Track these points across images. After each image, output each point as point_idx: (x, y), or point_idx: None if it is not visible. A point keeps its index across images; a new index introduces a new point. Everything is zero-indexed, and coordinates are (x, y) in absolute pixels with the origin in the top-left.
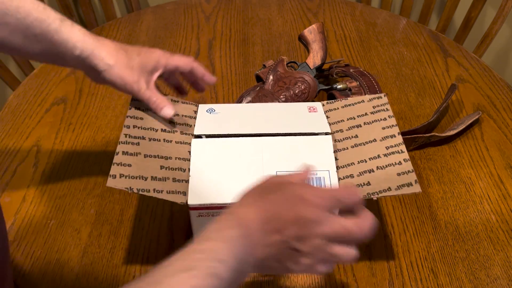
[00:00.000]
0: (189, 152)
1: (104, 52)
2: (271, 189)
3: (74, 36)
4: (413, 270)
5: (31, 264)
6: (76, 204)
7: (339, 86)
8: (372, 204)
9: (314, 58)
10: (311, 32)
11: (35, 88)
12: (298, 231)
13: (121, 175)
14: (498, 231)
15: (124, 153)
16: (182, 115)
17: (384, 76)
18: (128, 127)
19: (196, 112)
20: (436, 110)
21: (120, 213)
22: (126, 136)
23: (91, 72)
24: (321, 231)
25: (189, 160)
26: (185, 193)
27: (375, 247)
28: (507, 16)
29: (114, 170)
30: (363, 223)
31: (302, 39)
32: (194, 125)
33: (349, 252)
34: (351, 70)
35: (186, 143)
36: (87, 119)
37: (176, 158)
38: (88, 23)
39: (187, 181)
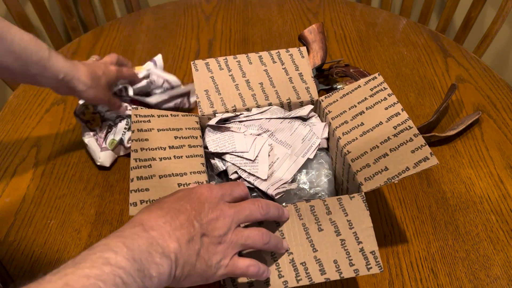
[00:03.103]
0: (202, 164)
1: (82, 76)
2: (164, 196)
3: (59, 63)
4: (413, 270)
5: (31, 264)
6: (76, 204)
7: (339, 86)
8: (373, 205)
9: (314, 58)
10: (311, 32)
11: (35, 88)
12: (199, 212)
13: (141, 201)
14: (498, 231)
15: (138, 178)
16: (186, 128)
17: (384, 76)
18: (136, 151)
19: (198, 122)
20: (436, 110)
21: (120, 213)
22: (136, 161)
23: (70, 91)
24: (220, 211)
25: (204, 172)
26: None
27: None
28: (507, 16)
29: (132, 197)
30: (255, 201)
31: (302, 39)
32: (200, 136)
33: (258, 232)
34: (351, 70)
35: (197, 155)
36: None
37: (191, 172)
38: (88, 23)
39: None
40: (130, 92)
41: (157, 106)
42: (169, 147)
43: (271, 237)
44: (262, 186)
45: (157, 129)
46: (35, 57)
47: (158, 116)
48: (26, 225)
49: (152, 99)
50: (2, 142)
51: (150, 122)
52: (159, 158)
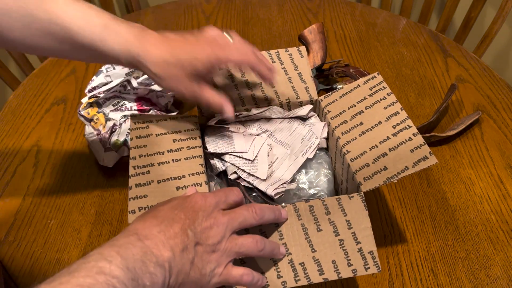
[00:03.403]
0: (201, 165)
1: (151, 63)
2: (159, 204)
3: (116, 46)
4: (413, 270)
5: (31, 264)
6: (76, 204)
7: (339, 86)
8: (373, 205)
9: (314, 58)
10: (311, 32)
11: (35, 88)
12: (193, 221)
13: (140, 208)
14: (498, 231)
15: (137, 185)
16: (185, 130)
17: (384, 76)
18: (134, 158)
19: (197, 123)
20: (436, 110)
21: (120, 213)
22: (134, 168)
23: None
24: (214, 219)
25: (203, 173)
26: None
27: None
28: (507, 16)
29: (131, 205)
30: (249, 207)
31: (302, 39)
32: (199, 136)
33: (252, 240)
34: (351, 70)
35: (195, 156)
36: None
37: (189, 174)
38: None
39: None
40: (134, 83)
41: (162, 93)
42: (168, 151)
43: (266, 244)
44: (262, 186)
45: (156, 134)
46: (81, 38)
47: (157, 121)
48: (26, 225)
49: (156, 86)
50: (2, 142)
51: (148, 128)
52: (157, 163)
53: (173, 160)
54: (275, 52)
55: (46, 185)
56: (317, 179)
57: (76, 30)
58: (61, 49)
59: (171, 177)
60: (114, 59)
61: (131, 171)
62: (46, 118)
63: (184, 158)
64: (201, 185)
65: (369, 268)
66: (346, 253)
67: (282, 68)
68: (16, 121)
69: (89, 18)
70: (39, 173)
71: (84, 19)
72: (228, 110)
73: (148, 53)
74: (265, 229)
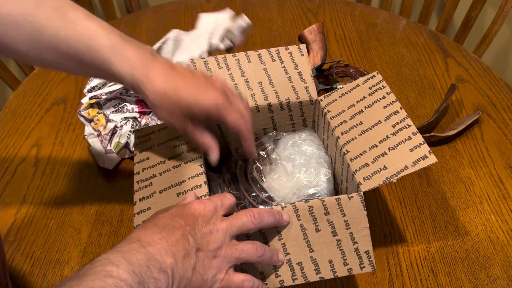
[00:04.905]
0: (201, 165)
1: (150, 92)
2: (159, 211)
3: (122, 69)
4: (413, 270)
5: (31, 264)
6: (76, 204)
7: (339, 86)
8: (373, 205)
9: (314, 58)
10: (311, 32)
11: (35, 88)
12: (193, 227)
13: (143, 222)
14: (498, 231)
15: (141, 200)
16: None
17: (384, 76)
18: (138, 173)
19: None
20: (436, 110)
21: (120, 213)
22: (138, 183)
23: None
24: (213, 225)
25: (202, 173)
26: None
27: (375, 247)
28: (507, 16)
29: (136, 220)
30: (248, 212)
31: (302, 39)
32: None
33: (252, 246)
34: (351, 70)
35: (195, 158)
36: None
37: (189, 178)
38: None
39: (205, 196)
40: None
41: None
42: (169, 158)
43: (266, 250)
44: None
45: (157, 144)
46: (88, 58)
47: (159, 131)
48: (26, 225)
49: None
50: (2, 142)
51: (150, 139)
52: (159, 173)
53: (173, 167)
54: (275, 50)
55: (46, 185)
56: (317, 179)
57: (83, 50)
58: (67, 65)
59: (172, 185)
60: (119, 80)
61: (135, 186)
62: (46, 118)
63: (184, 162)
64: (200, 186)
65: (364, 267)
66: (342, 253)
67: (282, 67)
68: (16, 121)
69: (98, 38)
70: (39, 173)
71: (93, 39)
72: (213, 156)
73: (151, 81)
74: (265, 230)
